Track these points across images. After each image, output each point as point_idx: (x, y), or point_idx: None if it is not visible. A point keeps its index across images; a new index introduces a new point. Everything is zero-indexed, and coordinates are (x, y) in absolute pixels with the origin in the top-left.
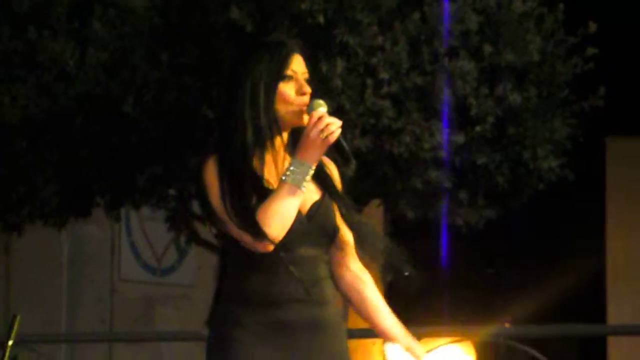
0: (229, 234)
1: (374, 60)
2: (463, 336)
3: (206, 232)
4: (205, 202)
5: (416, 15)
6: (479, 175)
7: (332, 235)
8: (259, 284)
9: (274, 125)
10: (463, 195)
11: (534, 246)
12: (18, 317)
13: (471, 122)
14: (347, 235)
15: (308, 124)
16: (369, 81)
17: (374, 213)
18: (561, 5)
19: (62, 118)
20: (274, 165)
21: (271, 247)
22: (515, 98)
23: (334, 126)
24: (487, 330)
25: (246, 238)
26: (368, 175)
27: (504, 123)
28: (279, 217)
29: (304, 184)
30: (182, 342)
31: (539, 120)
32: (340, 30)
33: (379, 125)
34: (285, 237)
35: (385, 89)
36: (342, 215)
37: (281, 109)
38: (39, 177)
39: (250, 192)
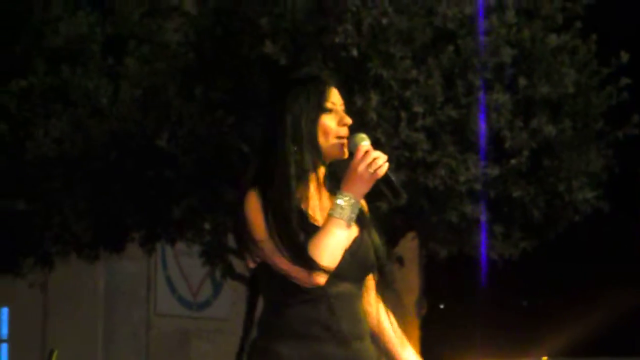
0: (274, 268)
1: (408, 93)
2: None
3: (241, 266)
4: (247, 236)
5: (450, 49)
6: (514, 207)
7: (370, 271)
8: (300, 319)
9: (317, 158)
10: (498, 228)
11: (570, 278)
12: (55, 352)
13: (506, 154)
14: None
15: (355, 158)
16: (403, 114)
17: (409, 246)
18: (594, 37)
19: (96, 153)
20: (315, 199)
21: (323, 281)
22: (550, 130)
23: (381, 160)
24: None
25: (298, 273)
26: (403, 208)
27: (539, 155)
28: (330, 251)
29: (353, 217)
30: None
31: (574, 152)
32: (374, 64)
33: (414, 158)
34: (332, 273)
35: (419, 122)
36: (375, 252)
37: (323, 142)
38: (72, 211)
39: (299, 228)
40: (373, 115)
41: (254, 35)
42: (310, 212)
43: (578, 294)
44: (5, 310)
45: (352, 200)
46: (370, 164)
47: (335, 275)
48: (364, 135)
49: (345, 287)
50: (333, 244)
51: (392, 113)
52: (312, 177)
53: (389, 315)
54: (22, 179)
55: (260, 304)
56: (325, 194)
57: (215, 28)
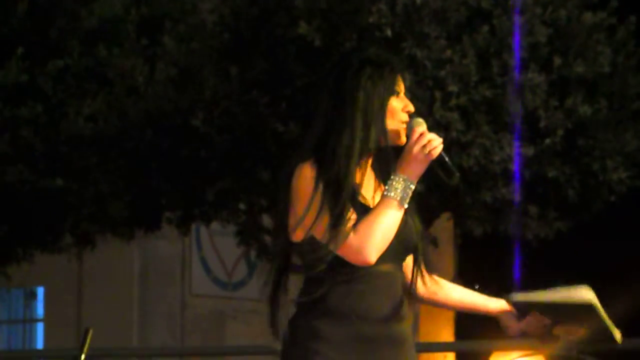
0: (320, 245)
1: (442, 73)
2: (535, 350)
3: None
4: (294, 208)
5: (485, 28)
6: (549, 188)
7: (412, 251)
8: (345, 299)
9: (383, 137)
10: (533, 208)
11: (606, 258)
12: (91, 331)
13: (541, 134)
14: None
15: (410, 140)
16: (438, 94)
17: (444, 227)
18: (632, 18)
19: (131, 133)
20: (367, 179)
21: (373, 261)
22: (585, 110)
23: (436, 142)
24: (559, 344)
25: (347, 250)
26: (438, 188)
27: (574, 135)
28: (382, 231)
29: (407, 199)
30: (252, 356)
31: (609, 133)
32: (408, 44)
33: (448, 138)
34: None
35: (453, 102)
36: (417, 233)
37: (389, 123)
38: (108, 190)
39: (349, 205)
40: (407, 95)
41: (289, 15)
42: (362, 191)
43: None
44: (41, 289)
45: (407, 182)
46: (424, 146)
47: (380, 255)
48: (420, 120)
49: (388, 267)
50: (386, 223)
51: (427, 93)
52: (366, 157)
53: (437, 277)
54: (57, 158)
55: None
56: (372, 176)
57: (250, 8)
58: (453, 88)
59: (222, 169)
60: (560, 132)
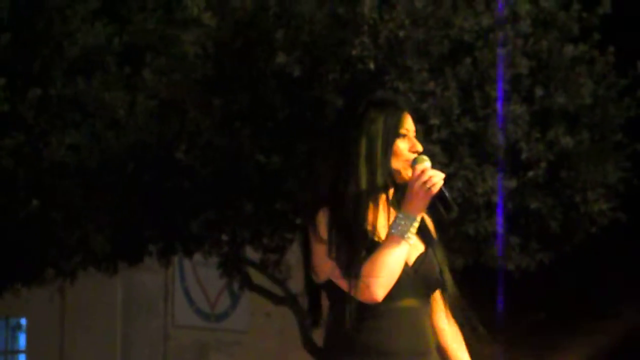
0: (337, 285)
1: (425, 105)
2: None
3: (259, 277)
4: (313, 254)
5: (467, 61)
6: (531, 219)
7: (435, 287)
8: (368, 335)
9: (389, 180)
10: (515, 239)
11: (588, 290)
12: None
13: (523, 166)
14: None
15: (412, 177)
16: (420, 127)
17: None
18: (611, 49)
19: (114, 165)
20: (382, 218)
21: (380, 298)
22: (567, 142)
23: (437, 178)
24: None
25: (357, 289)
26: None
27: (556, 167)
28: (386, 268)
29: (410, 235)
30: None
31: (591, 164)
32: (390, 77)
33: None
34: (393, 288)
35: (435, 135)
36: (439, 272)
37: (395, 165)
38: (91, 223)
39: (361, 245)
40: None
41: (269, 47)
42: (377, 231)
43: (596, 306)
44: (23, 321)
45: (410, 218)
46: (425, 182)
47: (399, 290)
48: (424, 157)
49: (409, 302)
50: (389, 261)
51: None
52: (382, 198)
53: (456, 334)
54: (39, 189)
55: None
56: (393, 212)
57: (234, 41)
58: (435, 121)
59: (205, 200)
60: (542, 164)
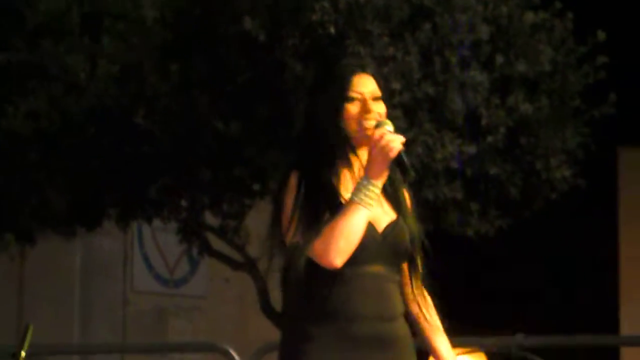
0: (300, 249)
1: (385, 70)
2: (474, 347)
3: (218, 242)
4: (279, 217)
5: (427, 26)
6: (490, 185)
7: (404, 255)
8: (330, 300)
9: (347, 144)
10: (474, 205)
11: (546, 256)
12: (31, 327)
13: (483, 132)
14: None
15: (371, 142)
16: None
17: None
18: (570, 15)
19: (73, 130)
20: (343, 181)
21: (337, 264)
22: (526, 108)
23: (395, 142)
24: (498, 341)
25: (316, 252)
26: None
27: (516, 133)
28: (343, 234)
29: (370, 201)
30: (194, 353)
31: (550, 130)
32: (351, 41)
33: None
34: (358, 254)
35: (396, 99)
36: (410, 240)
37: (351, 129)
38: (50, 188)
39: (324, 207)
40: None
41: (232, 12)
42: (344, 194)
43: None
44: None
45: (370, 184)
46: (383, 146)
47: (365, 256)
48: (387, 121)
49: (376, 268)
50: (348, 226)
51: None
52: (349, 163)
53: (426, 303)
54: None
55: None
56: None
57: (193, 7)
58: (396, 85)
59: (164, 166)
60: (502, 130)
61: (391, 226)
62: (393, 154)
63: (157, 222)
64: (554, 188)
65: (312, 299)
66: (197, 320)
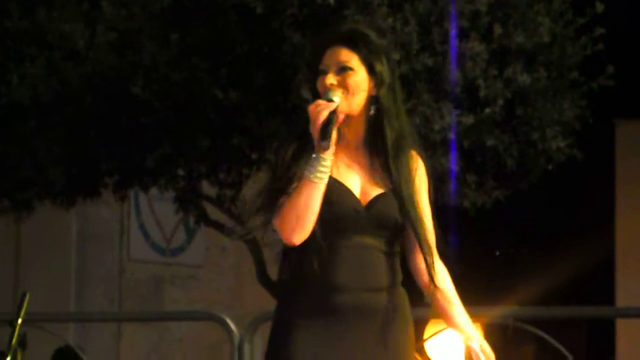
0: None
1: (384, 41)
2: (470, 318)
3: (215, 212)
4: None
5: None
6: (487, 157)
7: (391, 227)
8: (312, 270)
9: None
10: (471, 177)
11: (542, 228)
12: (28, 295)
13: (480, 103)
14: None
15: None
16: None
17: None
18: None
19: (71, 98)
20: (342, 157)
21: (293, 240)
22: (524, 79)
23: (321, 108)
24: (495, 312)
25: (277, 228)
26: None
27: (513, 104)
28: (293, 211)
29: (319, 175)
30: (190, 322)
31: (548, 102)
32: (350, 11)
33: None
34: (341, 225)
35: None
36: (402, 211)
37: None
38: (47, 156)
39: (283, 184)
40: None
41: None
42: (334, 170)
43: (551, 244)
44: None
45: (316, 157)
46: (312, 117)
47: (349, 228)
48: (333, 91)
49: (361, 239)
50: (298, 203)
51: None
52: (341, 136)
53: (438, 273)
54: None
55: None
56: (359, 154)
57: None
58: (395, 56)
59: (162, 135)
60: (499, 101)
61: (377, 198)
62: (318, 122)
63: (154, 191)
64: (550, 159)
65: (295, 269)
66: (194, 289)
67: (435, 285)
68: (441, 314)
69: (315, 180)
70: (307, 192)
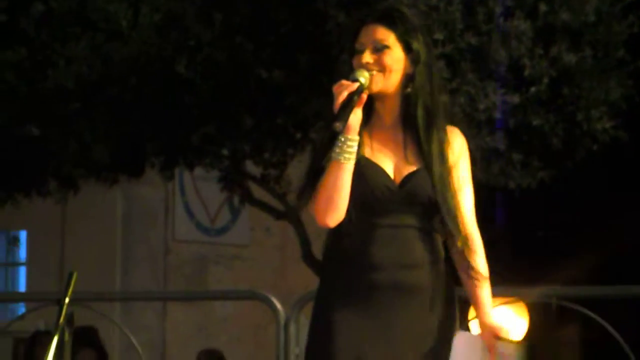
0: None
1: (429, 20)
2: (515, 297)
3: (259, 191)
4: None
5: None
6: (533, 136)
7: (425, 204)
8: (350, 248)
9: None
10: (517, 156)
11: (588, 208)
12: (75, 275)
13: (526, 83)
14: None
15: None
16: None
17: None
18: None
19: (115, 78)
20: (380, 136)
21: (327, 222)
22: (570, 58)
23: (342, 87)
24: (539, 291)
25: (312, 210)
26: None
27: (559, 84)
28: (323, 193)
29: (346, 155)
30: (234, 301)
31: (594, 81)
32: None
33: None
34: (375, 204)
35: (439, 50)
36: (433, 188)
37: None
38: (91, 136)
39: (319, 165)
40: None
41: None
42: (369, 148)
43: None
44: (23, 233)
45: (342, 137)
46: (337, 96)
47: (383, 206)
48: (362, 71)
49: (394, 218)
50: (327, 185)
51: None
52: (377, 114)
53: (470, 251)
54: (39, 104)
55: None
56: (394, 132)
57: None
58: (439, 36)
59: (206, 115)
60: (545, 80)
61: (410, 175)
62: (337, 103)
63: (198, 171)
64: (595, 139)
65: (332, 249)
66: (238, 268)
67: (463, 257)
68: (467, 292)
69: (344, 161)
70: (335, 174)
